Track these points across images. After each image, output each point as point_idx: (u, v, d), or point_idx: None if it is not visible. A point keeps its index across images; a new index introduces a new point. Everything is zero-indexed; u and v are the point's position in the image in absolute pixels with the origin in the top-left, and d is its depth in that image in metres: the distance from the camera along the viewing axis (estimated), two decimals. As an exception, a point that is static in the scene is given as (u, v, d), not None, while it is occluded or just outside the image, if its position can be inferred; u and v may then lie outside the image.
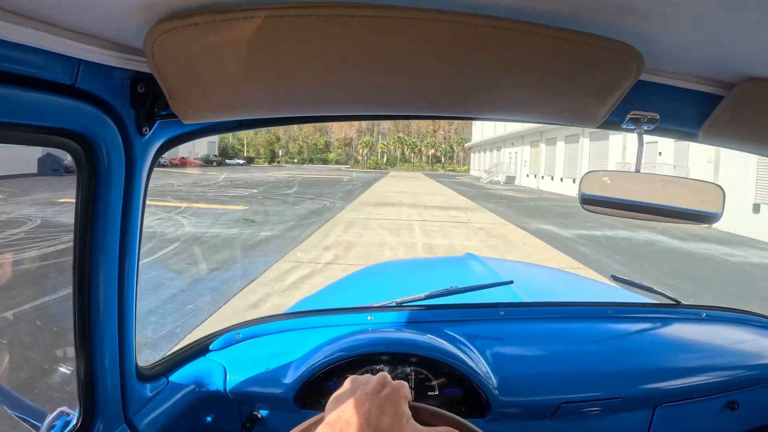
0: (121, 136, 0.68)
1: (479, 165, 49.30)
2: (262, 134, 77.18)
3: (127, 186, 0.73)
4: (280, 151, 79.82)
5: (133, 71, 0.65)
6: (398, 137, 74.77)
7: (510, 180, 33.70)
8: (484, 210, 14.70)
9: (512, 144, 34.61)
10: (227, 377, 1.06)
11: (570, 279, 2.66)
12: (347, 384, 0.57)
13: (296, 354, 1.12)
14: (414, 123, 74.34)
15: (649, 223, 11.32)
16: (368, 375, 0.58)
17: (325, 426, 0.51)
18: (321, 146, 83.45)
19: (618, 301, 1.49)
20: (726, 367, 1.18)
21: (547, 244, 8.71)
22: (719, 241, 10.22)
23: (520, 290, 1.61)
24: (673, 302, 1.44)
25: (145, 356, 3.23)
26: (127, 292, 0.79)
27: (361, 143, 75.82)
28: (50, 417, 0.77)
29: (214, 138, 55.01)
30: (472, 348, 1.15)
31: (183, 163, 41.95)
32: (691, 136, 0.84)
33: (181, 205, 12.17)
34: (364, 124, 75.42)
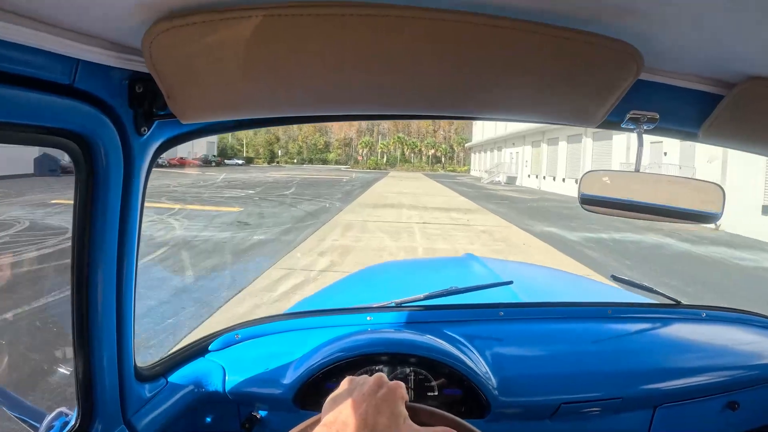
0: (119, 136, 0.67)
1: (480, 165, 49.15)
2: (262, 134, 77.18)
3: (125, 186, 0.72)
4: (279, 152, 79.82)
5: (132, 71, 0.65)
6: (398, 137, 74.69)
7: (511, 180, 33.51)
8: (486, 211, 14.32)
9: (513, 144, 34.42)
10: (226, 378, 1.06)
11: (570, 279, 2.63)
12: (344, 385, 0.57)
13: (295, 354, 1.11)
14: (414, 123, 74.26)
15: (655, 225, 11.20)
16: (365, 376, 0.58)
17: (321, 427, 0.51)
18: (320, 146, 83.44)
19: (618, 301, 1.48)
20: (726, 367, 1.17)
21: (553, 249, 8.35)
22: (728, 243, 9.94)
23: (520, 290, 1.60)
24: (673, 302, 1.44)
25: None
26: (126, 292, 0.79)
27: (360, 143, 75.69)
28: (49, 417, 0.77)
29: (213, 138, 55.23)
30: (471, 348, 1.14)
31: (182, 163, 41.89)
32: (691, 136, 0.84)
33: (175, 206, 11.87)
34: (363, 124, 75.31)
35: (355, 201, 15.99)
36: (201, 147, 51.92)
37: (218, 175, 29.01)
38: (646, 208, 0.78)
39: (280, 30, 0.50)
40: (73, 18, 0.51)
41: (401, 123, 74.19)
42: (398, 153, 74.91)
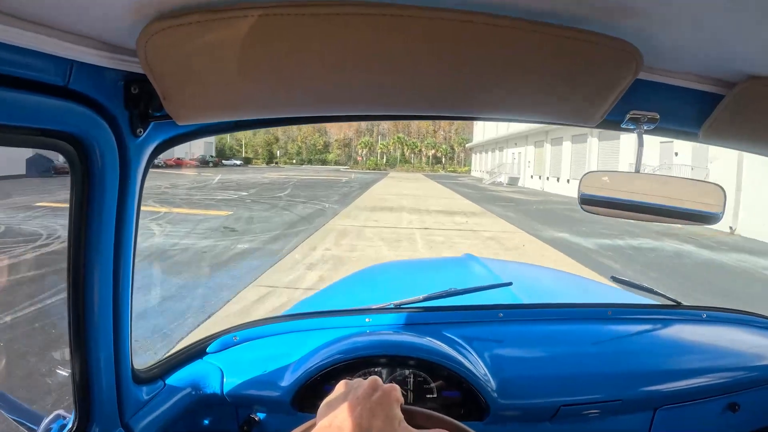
0: (115, 138, 0.67)
1: (481, 166, 48.89)
2: (261, 135, 76.80)
3: (121, 188, 0.72)
4: (278, 152, 79.51)
5: (127, 72, 0.64)
6: (398, 137, 74.30)
7: (513, 181, 33.22)
8: (491, 215, 13.58)
9: (515, 144, 34.11)
10: (224, 380, 1.05)
11: (570, 280, 2.62)
12: (339, 389, 0.57)
13: (294, 356, 1.11)
14: (414, 123, 73.92)
15: (670, 230, 10.89)
16: (359, 379, 0.57)
17: (317, 431, 0.51)
18: (320, 147, 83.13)
19: (618, 302, 1.47)
20: (727, 369, 1.17)
21: (570, 258, 7.62)
22: (751, 251, 9.30)
23: (520, 292, 1.59)
24: (674, 303, 1.43)
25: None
26: (123, 294, 0.78)
27: (360, 144, 75.30)
28: (46, 420, 0.77)
29: (211, 138, 55.17)
30: (470, 350, 1.14)
31: (178, 164, 41.69)
32: (691, 136, 0.84)
33: (161, 210, 11.12)
34: (363, 124, 74.84)
35: (352, 204, 15.29)
36: (199, 147, 51.76)
37: (214, 176, 28.40)
38: (646, 208, 0.77)
39: (277, 30, 0.50)
40: (68, 19, 0.51)
41: (401, 123, 73.79)
42: (398, 153, 74.60)
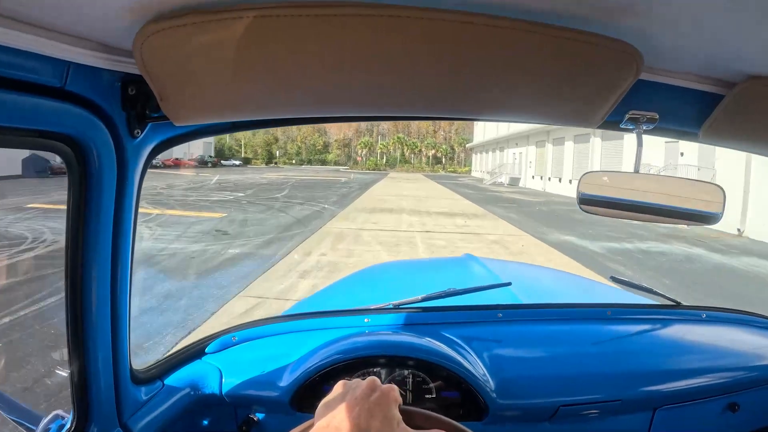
0: (112, 139, 0.67)
1: (481, 166, 48.70)
2: (260, 135, 76.55)
3: (119, 189, 0.72)
4: (277, 153, 79.16)
5: (124, 73, 0.64)
6: (398, 138, 74.03)
7: (514, 182, 33.02)
8: (494, 217, 13.19)
9: (516, 144, 33.90)
10: (223, 380, 1.05)
11: (569, 280, 2.61)
12: (337, 389, 0.57)
13: (292, 357, 1.11)
14: (414, 123, 73.73)
15: (678, 232, 10.68)
16: (358, 380, 0.57)
17: None
18: (319, 147, 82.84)
19: (617, 303, 1.46)
20: (727, 369, 1.16)
21: (577, 263, 7.26)
22: (760, 254, 9.03)
23: (519, 292, 1.58)
24: (673, 303, 1.42)
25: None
26: (121, 294, 0.78)
27: (359, 144, 75.03)
28: (45, 420, 0.77)
29: (210, 139, 55.01)
30: (469, 350, 1.13)
31: (177, 164, 41.40)
32: (691, 136, 0.83)
33: (153, 212, 10.83)
34: (363, 124, 74.58)
35: (350, 205, 14.96)
36: (197, 148, 51.58)
37: (212, 177, 28.03)
38: (645, 208, 0.77)
39: (274, 31, 0.50)
40: (64, 20, 0.51)
41: (401, 123, 73.59)
42: (398, 154, 74.34)
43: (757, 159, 11.18)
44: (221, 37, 0.50)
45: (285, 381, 1.04)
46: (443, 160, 74.45)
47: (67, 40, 0.53)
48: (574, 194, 0.83)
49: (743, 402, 1.15)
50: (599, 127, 0.81)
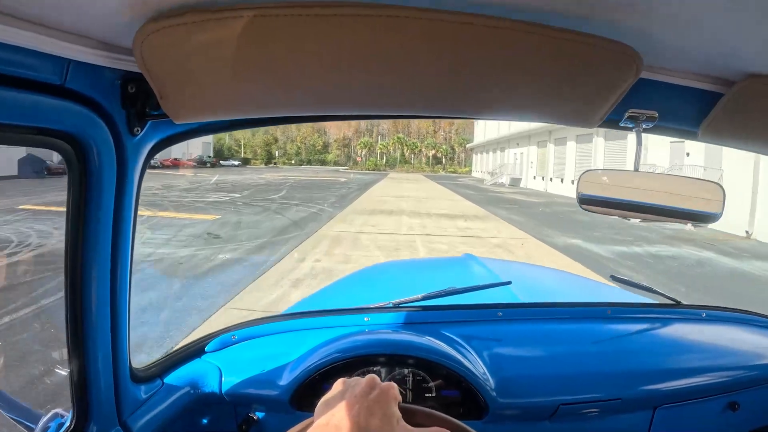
0: (112, 137, 0.67)
1: (482, 166, 48.54)
2: (260, 135, 76.24)
3: (118, 187, 0.72)
4: (277, 153, 78.81)
5: (124, 71, 0.64)
6: (398, 138, 73.76)
7: (515, 182, 32.77)
8: (496, 219, 12.81)
9: (517, 144, 33.70)
10: (223, 379, 1.05)
11: (569, 279, 2.59)
12: (336, 387, 0.57)
13: (292, 355, 1.11)
14: (414, 123, 73.59)
15: (685, 234, 10.47)
16: (357, 378, 0.57)
17: (314, 430, 0.51)
18: (319, 147, 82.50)
19: (617, 302, 1.46)
20: (727, 368, 1.16)
21: (587, 269, 6.86)
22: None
23: (519, 291, 1.58)
24: (673, 302, 1.42)
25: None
26: (120, 293, 0.78)
27: (359, 144, 74.68)
28: (44, 419, 0.77)
29: (209, 139, 54.95)
30: (469, 349, 1.14)
31: (176, 164, 41.03)
32: (690, 135, 0.84)
33: (144, 213, 10.51)
34: (362, 124, 74.48)
35: (349, 206, 14.58)
36: (196, 148, 51.39)
37: (211, 177, 27.70)
38: (645, 207, 0.76)
39: (274, 30, 0.50)
40: (64, 18, 0.51)
41: (401, 123, 73.43)
42: (398, 154, 74.05)
43: (766, 159, 10.90)
44: (221, 35, 0.50)
45: (285, 380, 1.04)
46: (443, 160, 74.21)
47: (68, 37, 0.54)
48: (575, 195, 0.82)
49: (743, 401, 1.15)
50: (598, 126, 0.80)
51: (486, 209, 15.22)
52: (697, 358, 1.18)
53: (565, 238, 9.71)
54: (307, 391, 1.02)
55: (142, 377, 0.91)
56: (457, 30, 0.50)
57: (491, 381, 1.05)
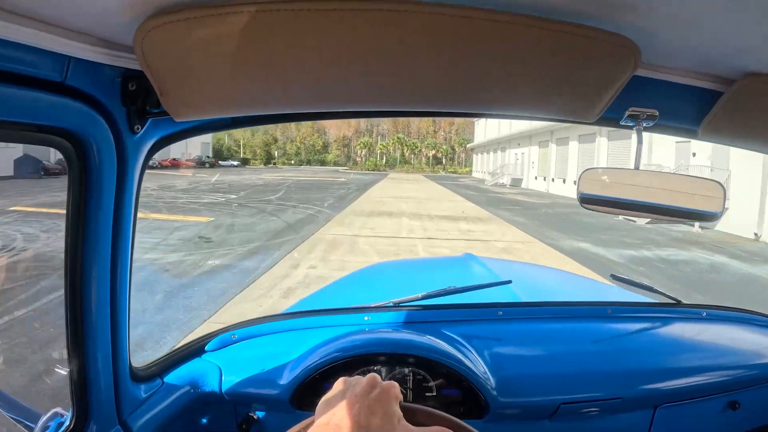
0: (112, 134, 0.67)
1: (482, 167, 48.35)
2: (259, 135, 75.93)
3: (119, 185, 0.72)
4: (276, 153, 78.46)
5: (124, 68, 0.64)
6: (398, 138, 73.49)
7: (516, 183, 32.54)
8: (499, 221, 12.44)
9: (518, 144, 33.47)
10: (223, 378, 1.05)
11: (569, 278, 2.58)
12: (337, 386, 0.57)
13: (292, 355, 1.11)
14: (414, 123, 73.32)
15: (693, 237, 10.31)
16: (358, 377, 0.57)
17: (315, 429, 0.51)
18: (318, 147, 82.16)
19: (618, 301, 1.47)
20: (727, 367, 1.17)
21: (601, 276, 6.50)
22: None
23: (519, 290, 1.59)
24: (674, 301, 1.42)
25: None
26: (120, 291, 0.78)
27: (359, 144, 74.37)
28: (44, 418, 0.77)
29: (208, 139, 54.69)
30: (470, 348, 1.14)
31: (174, 164, 40.70)
32: (690, 133, 0.84)
33: (136, 215, 10.16)
34: (362, 124, 74.13)
35: (347, 208, 14.28)
36: (195, 148, 51.16)
37: (209, 177, 27.31)
38: (646, 206, 0.77)
39: (274, 26, 0.50)
40: (65, 15, 0.51)
41: (401, 123, 73.14)
42: (398, 154, 73.81)
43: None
44: (221, 31, 0.50)
45: (285, 379, 1.04)
46: (443, 160, 74.04)
47: (68, 34, 0.54)
48: (578, 195, 0.79)
49: (744, 400, 1.15)
50: (599, 124, 0.81)
51: (488, 211, 14.91)
52: (697, 358, 1.18)
53: (572, 242, 9.39)
54: (308, 391, 1.02)
55: (142, 376, 0.91)
56: (455, 24, 0.50)
57: (492, 380, 1.05)
